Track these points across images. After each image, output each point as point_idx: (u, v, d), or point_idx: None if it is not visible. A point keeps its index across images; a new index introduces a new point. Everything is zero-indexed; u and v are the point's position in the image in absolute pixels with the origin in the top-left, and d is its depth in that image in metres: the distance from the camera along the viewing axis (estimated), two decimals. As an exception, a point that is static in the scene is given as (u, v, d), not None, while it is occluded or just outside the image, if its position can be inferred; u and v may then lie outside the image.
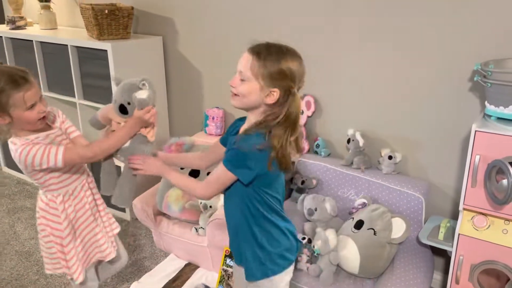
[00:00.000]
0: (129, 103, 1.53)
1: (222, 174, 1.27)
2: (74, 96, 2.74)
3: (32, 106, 1.46)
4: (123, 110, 1.55)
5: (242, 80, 1.24)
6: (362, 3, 2.08)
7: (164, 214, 2.42)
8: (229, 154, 1.27)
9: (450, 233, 1.88)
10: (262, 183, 1.27)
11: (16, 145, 1.49)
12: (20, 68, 1.47)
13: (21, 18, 3.08)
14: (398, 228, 1.92)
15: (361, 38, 2.13)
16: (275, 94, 1.23)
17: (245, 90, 1.24)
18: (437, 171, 2.10)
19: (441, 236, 1.88)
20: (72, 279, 1.73)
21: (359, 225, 1.95)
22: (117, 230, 1.89)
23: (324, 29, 2.22)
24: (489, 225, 1.69)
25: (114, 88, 2.53)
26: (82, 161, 1.62)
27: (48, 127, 1.61)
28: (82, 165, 1.71)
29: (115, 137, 1.56)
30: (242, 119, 1.40)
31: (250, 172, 1.23)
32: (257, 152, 1.21)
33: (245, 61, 1.23)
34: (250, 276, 1.38)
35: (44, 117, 1.53)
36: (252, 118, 1.30)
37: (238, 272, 1.50)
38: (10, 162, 3.43)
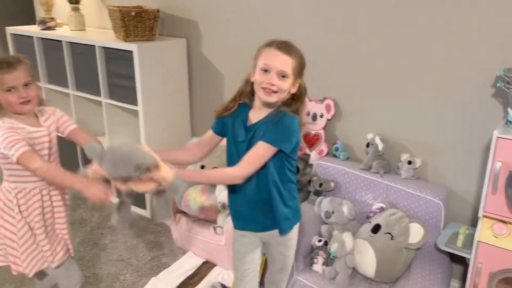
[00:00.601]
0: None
1: (265, 151, 1.39)
2: (100, 95, 2.82)
3: (10, 89, 1.53)
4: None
5: (283, 77, 1.38)
6: (384, 7, 2.08)
7: (183, 212, 2.47)
8: (273, 132, 1.39)
9: (469, 240, 1.86)
10: (292, 151, 1.45)
11: None
12: (13, 55, 1.55)
13: (52, 19, 3.19)
14: (416, 233, 1.91)
15: (382, 42, 2.13)
16: (297, 84, 1.44)
17: (286, 86, 1.39)
18: (457, 177, 2.08)
19: (459, 243, 1.86)
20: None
21: (376, 229, 1.95)
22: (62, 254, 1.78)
23: (344, 32, 2.23)
24: (509, 233, 1.67)
25: (139, 88, 2.61)
26: (30, 171, 1.57)
27: (37, 122, 1.65)
28: None
29: (66, 177, 1.51)
30: (245, 106, 1.50)
31: (291, 144, 1.42)
32: (296, 127, 1.42)
33: (284, 60, 1.37)
34: (283, 231, 1.55)
35: (27, 103, 1.57)
36: (271, 105, 1.44)
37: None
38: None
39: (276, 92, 1.39)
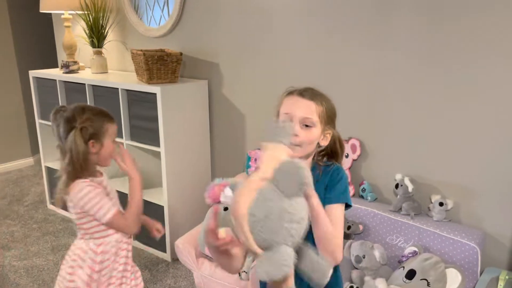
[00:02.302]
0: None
1: (340, 214, 1.23)
2: (122, 137, 2.83)
3: (113, 141, 1.64)
4: None
5: (307, 126, 1.22)
6: (411, 45, 2.09)
7: (206, 256, 2.40)
8: (336, 190, 1.24)
9: (510, 286, 1.78)
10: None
11: (80, 183, 1.56)
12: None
13: (75, 62, 3.26)
14: (453, 279, 1.83)
15: (411, 80, 2.13)
16: (329, 135, 1.27)
17: (312, 136, 1.23)
18: (492, 220, 2.01)
19: (500, 289, 1.78)
20: None
21: (411, 275, 1.87)
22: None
23: (372, 71, 2.24)
24: (556, 280, 1.59)
25: (161, 129, 2.62)
26: (122, 231, 1.65)
27: (99, 173, 1.69)
28: None
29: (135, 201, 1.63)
30: None
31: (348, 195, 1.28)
32: (347, 178, 1.29)
33: (307, 105, 1.22)
34: None
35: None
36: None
37: None
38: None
39: (298, 146, 1.20)
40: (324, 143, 1.27)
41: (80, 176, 1.57)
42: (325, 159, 1.32)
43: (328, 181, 1.26)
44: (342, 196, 1.25)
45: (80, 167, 1.55)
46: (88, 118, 1.56)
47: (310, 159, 1.30)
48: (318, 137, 1.24)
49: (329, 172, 1.28)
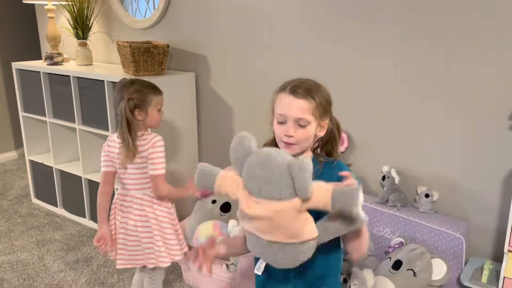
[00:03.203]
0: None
1: None
2: (108, 130, 2.79)
3: (160, 109, 1.91)
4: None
5: (301, 126, 1.22)
6: (400, 40, 2.10)
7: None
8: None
9: (494, 276, 1.81)
10: None
11: (151, 136, 1.86)
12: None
13: (59, 54, 3.20)
14: (439, 269, 1.86)
15: (398, 76, 2.14)
16: (325, 124, 1.28)
17: (308, 134, 1.23)
18: (477, 211, 2.05)
19: (484, 279, 1.81)
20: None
21: (397, 265, 1.89)
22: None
23: (358, 64, 2.25)
24: (538, 269, 1.62)
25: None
26: (156, 191, 1.88)
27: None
28: None
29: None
30: None
31: None
32: None
33: (299, 106, 1.21)
34: None
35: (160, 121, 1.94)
36: (302, 156, 1.26)
37: None
38: (39, 194, 3.48)
39: (294, 144, 1.23)
40: (322, 133, 1.28)
41: (135, 133, 1.83)
42: (323, 151, 1.32)
43: (338, 180, 1.18)
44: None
45: (130, 128, 1.81)
46: (135, 91, 1.81)
47: (310, 151, 1.31)
48: (314, 131, 1.25)
49: (333, 169, 1.24)
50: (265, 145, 1.34)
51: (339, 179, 1.19)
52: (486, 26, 1.88)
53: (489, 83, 1.91)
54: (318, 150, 1.33)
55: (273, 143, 1.32)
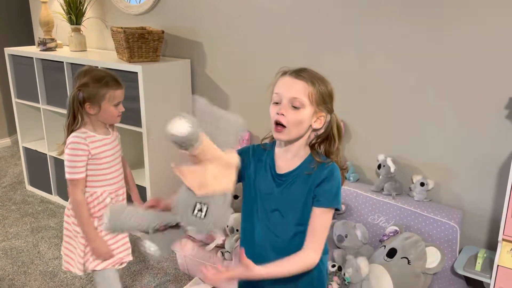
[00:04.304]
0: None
1: (328, 219, 1.20)
2: (102, 117, 2.77)
3: (117, 104, 1.73)
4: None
5: (295, 107, 1.16)
6: (396, 29, 2.08)
7: (189, 237, 2.39)
8: (328, 193, 1.19)
9: (488, 264, 1.82)
10: None
11: (75, 133, 1.69)
12: (113, 74, 1.75)
13: (52, 40, 3.15)
14: (433, 257, 1.87)
15: (394, 63, 2.13)
16: (322, 118, 1.20)
17: (301, 118, 1.16)
18: (472, 200, 2.05)
19: (478, 267, 1.82)
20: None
21: (392, 253, 1.90)
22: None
23: (353, 52, 2.23)
24: (531, 257, 1.63)
25: (143, 109, 2.57)
26: (69, 194, 1.73)
27: (107, 132, 1.79)
28: (120, 174, 1.85)
29: (87, 225, 1.71)
30: (269, 153, 1.27)
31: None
32: (340, 180, 1.22)
33: (299, 86, 1.16)
34: None
35: (120, 117, 1.76)
36: (298, 149, 1.23)
37: None
38: (34, 181, 3.46)
39: (284, 127, 1.15)
40: (318, 125, 1.20)
41: (74, 129, 1.70)
42: (322, 149, 1.25)
43: (322, 180, 1.19)
44: (334, 201, 1.20)
45: (73, 121, 1.69)
46: (86, 83, 1.66)
47: (307, 147, 1.24)
48: (307, 119, 1.17)
49: (324, 170, 1.20)
50: (263, 140, 1.31)
51: (323, 181, 1.18)
52: (484, 13, 1.86)
53: (486, 72, 1.90)
54: (316, 147, 1.25)
55: (272, 138, 1.27)
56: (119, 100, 1.74)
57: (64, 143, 1.72)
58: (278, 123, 1.16)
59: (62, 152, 1.74)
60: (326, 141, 1.24)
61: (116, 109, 1.73)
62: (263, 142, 1.31)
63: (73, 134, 1.69)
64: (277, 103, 1.17)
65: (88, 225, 1.70)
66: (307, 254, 1.18)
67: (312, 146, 1.24)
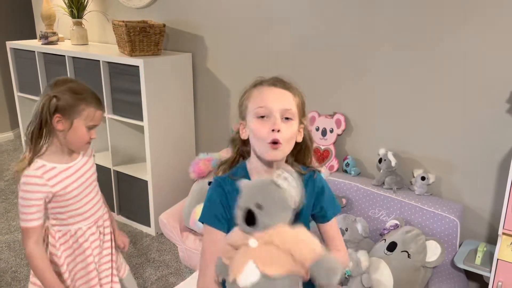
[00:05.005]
0: (260, 207, 0.94)
1: (337, 222, 1.24)
2: (104, 111, 2.77)
3: (92, 127, 1.45)
4: (250, 219, 0.95)
5: (287, 119, 1.05)
6: (396, 21, 2.08)
7: (190, 230, 2.41)
8: (331, 203, 1.18)
9: (488, 258, 1.83)
10: None
11: (29, 170, 1.39)
12: (97, 93, 1.48)
13: (54, 33, 3.15)
14: (433, 251, 1.87)
15: (394, 57, 2.12)
16: (302, 130, 1.12)
17: (294, 130, 1.07)
18: (472, 194, 2.05)
19: (478, 261, 1.83)
20: None
21: (392, 247, 1.90)
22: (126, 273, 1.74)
23: (356, 46, 2.22)
24: (531, 251, 1.64)
25: (144, 103, 2.58)
26: (23, 245, 1.46)
27: (70, 158, 1.49)
28: (97, 203, 1.58)
29: (48, 276, 1.43)
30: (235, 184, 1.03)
31: None
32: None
33: (287, 97, 1.06)
34: None
35: (89, 144, 1.49)
36: (279, 167, 1.09)
37: None
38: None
39: (280, 144, 1.02)
40: (300, 139, 1.12)
41: (37, 152, 1.40)
42: (298, 161, 1.17)
43: (317, 193, 1.14)
44: (337, 208, 1.22)
45: (38, 137, 1.39)
46: (65, 90, 1.38)
47: (285, 163, 1.13)
48: (296, 132, 1.08)
49: (313, 182, 1.14)
50: (220, 166, 1.17)
51: (321, 191, 1.15)
52: (486, 6, 1.85)
53: (487, 66, 1.89)
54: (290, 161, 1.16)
55: (234, 163, 1.16)
56: (95, 124, 1.45)
57: (23, 160, 1.40)
58: (275, 142, 1.02)
59: (17, 173, 1.41)
60: (299, 153, 1.17)
61: (88, 133, 1.44)
62: (226, 173, 1.15)
63: (27, 172, 1.38)
64: (263, 116, 1.04)
65: (48, 279, 1.42)
66: (343, 257, 1.23)
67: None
